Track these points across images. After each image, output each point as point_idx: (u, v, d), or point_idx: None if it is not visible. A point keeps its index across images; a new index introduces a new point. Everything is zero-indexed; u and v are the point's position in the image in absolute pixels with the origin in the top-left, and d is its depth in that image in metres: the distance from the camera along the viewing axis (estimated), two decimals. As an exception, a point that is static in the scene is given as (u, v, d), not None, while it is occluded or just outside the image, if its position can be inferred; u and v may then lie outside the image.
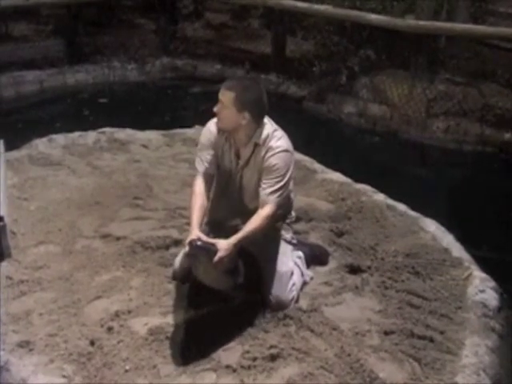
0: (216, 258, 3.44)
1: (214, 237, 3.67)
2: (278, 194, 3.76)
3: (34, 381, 3.36)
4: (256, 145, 3.80)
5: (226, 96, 3.70)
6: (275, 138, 3.81)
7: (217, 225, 4.06)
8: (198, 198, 3.81)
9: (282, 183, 3.76)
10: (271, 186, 3.74)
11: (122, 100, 10.10)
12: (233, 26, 13.06)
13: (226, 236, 3.62)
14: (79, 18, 10.99)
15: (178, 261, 4.03)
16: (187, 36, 12.02)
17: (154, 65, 11.15)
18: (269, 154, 3.77)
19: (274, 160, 3.75)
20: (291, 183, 4.05)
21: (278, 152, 3.76)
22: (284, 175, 3.77)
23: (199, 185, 3.87)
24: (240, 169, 3.91)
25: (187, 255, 3.61)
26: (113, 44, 11.24)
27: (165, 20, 12.02)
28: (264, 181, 3.77)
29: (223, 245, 3.49)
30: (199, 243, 3.47)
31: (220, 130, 3.87)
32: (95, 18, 11.57)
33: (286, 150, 3.79)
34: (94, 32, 11.14)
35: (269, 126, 3.85)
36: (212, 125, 3.95)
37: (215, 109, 3.77)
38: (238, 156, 3.91)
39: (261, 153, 3.79)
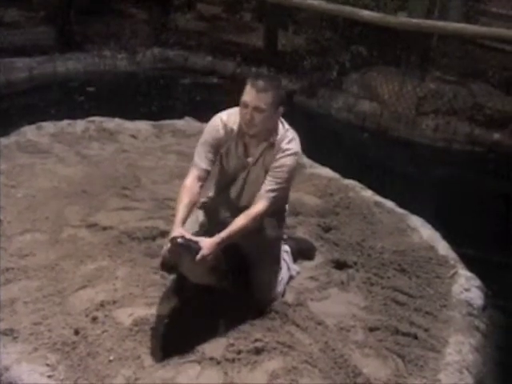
0: (199, 257, 3.39)
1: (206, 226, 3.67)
2: (275, 193, 3.71)
3: (18, 369, 3.35)
4: (270, 144, 3.75)
5: (262, 100, 3.56)
6: (287, 138, 3.75)
7: (211, 213, 4.06)
8: (188, 193, 3.69)
9: (282, 184, 3.72)
10: (270, 184, 3.70)
11: (112, 89, 10.04)
12: (225, 18, 13.06)
13: (217, 228, 3.62)
14: (71, 5, 10.91)
15: (165, 250, 4.00)
16: (179, 27, 11.97)
17: (145, 55, 11.10)
18: (279, 155, 3.71)
19: (282, 162, 3.71)
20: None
21: (288, 155, 3.72)
22: (287, 178, 3.74)
23: (192, 180, 3.76)
24: (249, 166, 3.85)
25: (169, 252, 3.53)
26: (104, 33, 11.17)
27: (157, 10, 12.00)
28: (267, 178, 3.73)
29: (207, 243, 3.45)
30: (181, 241, 3.40)
31: (245, 134, 3.75)
32: (87, 6, 11.50)
33: (294, 154, 3.74)
34: (85, 20, 11.06)
35: (280, 126, 3.79)
36: (218, 121, 3.83)
37: (248, 117, 3.60)
38: (246, 154, 3.84)
39: (271, 153, 3.74)
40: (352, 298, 4.17)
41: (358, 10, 9.08)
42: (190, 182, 3.75)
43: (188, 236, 3.47)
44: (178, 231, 3.48)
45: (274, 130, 3.74)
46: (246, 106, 3.60)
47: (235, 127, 3.77)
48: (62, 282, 4.05)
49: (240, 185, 3.93)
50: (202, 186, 3.81)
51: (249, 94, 3.58)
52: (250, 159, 3.83)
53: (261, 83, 3.57)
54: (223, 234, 3.54)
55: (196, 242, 3.44)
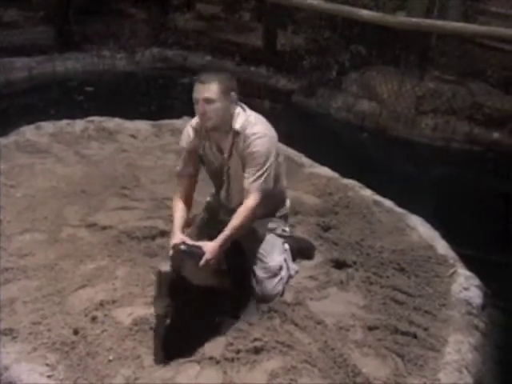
0: (202, 262, 3.43)
1: (208, 228, 3.67)
2: (261, 180, 3.72)
3: (17, 369, 3.35)
4: (235, 133, 3.77)
5: (209, 90, 3.61)
6: (250, 124, 3.77)
7: (213, 213, 4.09)
8: (179, 200, 3.83)
9: (262, 170, 3.72)
10: (253, 175, 3.72)
11: (111, 89, 10.05)
12: (224, 18, 13.07)
13: (219, 227, 3.64)
14: (70, 5, 10.91)
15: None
16: (178, 27, 11.98)
17: (144, 55, 11.11)
18: (247, 142, 3.73)
19: (252, 148, 3.72)
20: (283, 172, 4.08)
21: (255, 139, 3.72)
22: (264, 162, 3.73)
23: (181, 188, 3.90)
24: (226, 161, 3.89)
25: (171, 259, 3.52)
26: (103, 33, 11.18)
27: (156, 10, 12.01)
28: (246, 170, 3.75)
29: (209, 247, 3.48)
30: (183, 247, 3.44)
31: (206, 129, 3.80)
32: (86, 6, 11.50)
33: (262, 136, 3.75)
34: (84, 20, 11.06)
35: (242, 113, 3.82)
36: (188, 127, 3.93)
37: (200, 110, 3.66)
38: (220, 150, 3.89)
39: (240, 141, 3.77)
40: (351, 298, 4.17)
41: (357, 10, 9.08)
42: (180, 191, 3.89)
43: (190, 242, 3.49)
44: (178, 238, 3.52)
45: (233, 118, 3.77)
46: (196, 101, 3.67)
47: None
48: (62, 281, 4.05)
49: (226, 184, 3.99)
50: (193, 189, 3.93)
51: (196, 89, 3.66)
52: (224, 155, 3.87)
53: (205, 76, 3.67)
54: (222, 236, 3.56)
55: (198, 247, 3.46)
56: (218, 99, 3.64)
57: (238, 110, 3.82)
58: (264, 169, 3.74)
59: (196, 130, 3.89)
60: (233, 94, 3.73)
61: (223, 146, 3.86)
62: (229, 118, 3.76)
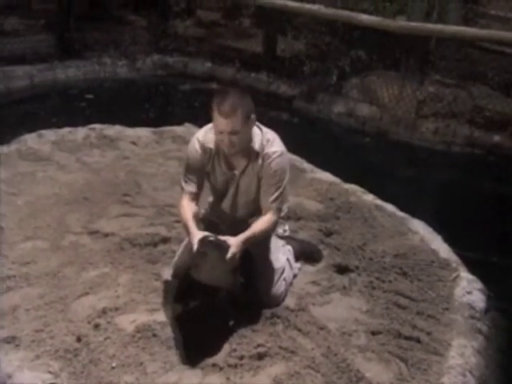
0: (230, 254, 3.43)
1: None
2: (279, 199, 3.80)
3: (20, 376, 3.34)
4: (254, 153, 3.78)
5: (235, 122, 3.57)
6: (269, 142, 3.79)
7: (212, 227, 4.08)
8: (188, 210, 3.78)
9: (281, 188, 3.80)
10: (272, 194, 3.78)
11: (112, 96, 10.06)
12: (224, 24, 13.08)
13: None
14: (71, 13, 10.93)
15: (177, 259, 4.02)
16: (178, 33, 12.01)
17: (145, 62, 11.13)
18: (267, 161, 3.76)
19: (273, 167, 3.76)
20: None
21: (275, 158, 3.76)
22: (283, 180, 3.80)
23: (186, 200, 3.85)
24: (236, 178, 3.89)
25: (197, 253, 3.49)
26: (104, 40, 11.21)
27: (156, 17, 12.04)
28: (264, 188, 3.80)
29: (234, 241, 3.50)
30: (212, 238, 3.46)
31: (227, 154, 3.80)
32: (87, 13, 11.53)
33: (281, 154, 3.79)
34: (85, 28, 11.09)
35: (258, 131, 3.83)
36: (196, 143, 3.88)
37: (226, 142, 3.62)
38: (230, 167, 3.88)
39: (258, 160, 3.78)
40: (354, 303, 4.16)
41: (357, 15, 9.10)
42: (186, 202, 3.85)
43: (212, 237, 3.50)
44: (200, 234, 3.54)
45: (252, 138, 3.78)
46: (220, 132, 3.63)
47: (212, 145, 3.83)
48: (64, 289, 4.05)
49: (231, 197, 3.99)
50: (196, 204, 3.90)
51: (220, 122, 3.60)
52: (235, 172, 3.88)
53: (227, 107, 3.55)
54: (247, 233, 3.60)
55: (224, 241, 3.47)
56: (242, 128, 3.62)
57: (257, 130, 3.83)
58: (283, 187, 3.81)
59: (205, 148, 3.86)
60: (252, 116, 3.71)
61: (236, 164, 3.87)
62: (250, 140, 3.77)
